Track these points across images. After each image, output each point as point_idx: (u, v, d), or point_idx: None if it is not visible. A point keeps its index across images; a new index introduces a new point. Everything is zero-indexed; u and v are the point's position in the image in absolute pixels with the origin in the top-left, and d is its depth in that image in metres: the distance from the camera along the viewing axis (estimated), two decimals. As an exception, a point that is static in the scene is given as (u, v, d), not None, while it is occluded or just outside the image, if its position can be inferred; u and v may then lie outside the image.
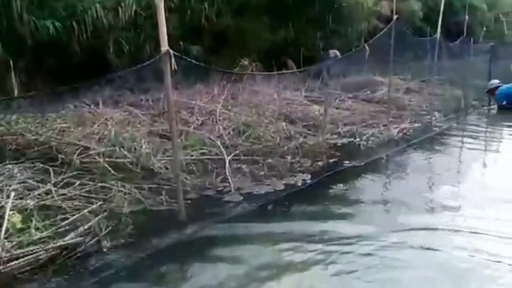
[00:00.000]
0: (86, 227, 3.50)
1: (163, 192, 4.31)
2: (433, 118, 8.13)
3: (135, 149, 5.01)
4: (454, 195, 4.67)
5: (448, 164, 5.87)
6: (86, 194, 4.13)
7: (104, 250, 3.36)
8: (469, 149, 6.86)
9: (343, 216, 4.15)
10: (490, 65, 9.92)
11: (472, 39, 12.23)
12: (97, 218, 3.60)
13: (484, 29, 15.42)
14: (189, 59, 3.71)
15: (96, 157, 4.76)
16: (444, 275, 3.09)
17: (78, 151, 4.81)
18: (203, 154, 5.38)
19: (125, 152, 4.87)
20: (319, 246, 3.46)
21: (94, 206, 3.86)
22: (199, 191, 4.48)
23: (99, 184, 4.29)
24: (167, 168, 4.84)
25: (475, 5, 17.75)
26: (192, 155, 5.30)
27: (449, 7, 10.05)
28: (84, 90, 6.11)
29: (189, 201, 4.16)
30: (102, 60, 7.55)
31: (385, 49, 9.75)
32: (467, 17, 10.52)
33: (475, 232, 3.68)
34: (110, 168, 4.58)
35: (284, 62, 10.98)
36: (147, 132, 5.75)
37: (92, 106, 6.36)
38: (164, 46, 3.47)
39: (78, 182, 4.28)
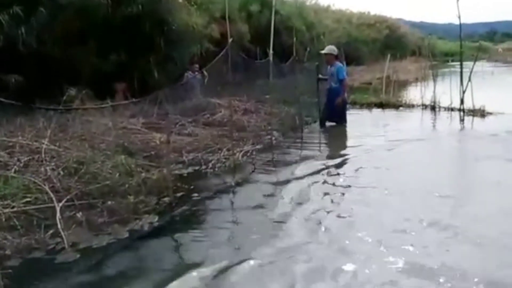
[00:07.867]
0: None
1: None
2: (273, 138, 8.27)
3: None
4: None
5: (287, 183, 5.84)
6: None
7: None
8: (307, 166, 6.92)
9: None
10: (318, 82, 10.51)
11: (298, 59, 13.03)
12: None
13: (308, 49, 16.57)
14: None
15: None
16: None
17: None
18: (27, 203, 4.55)
19: None
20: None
21: None
22: (24, 254, 3.68)
23: None
24: (-21, 229, 3.95)
25: (296, 27, 19.12)
26: (13, 207, 4.45)
27: (273, 29, 10.58)
28: None
29: (10, 270, 3.35)
30: None
31: (220, 72, 9.77)
32: (294, 39, 11.11)
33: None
34: None
35: (119, 88, 10.34)
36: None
37: None
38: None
39: None
